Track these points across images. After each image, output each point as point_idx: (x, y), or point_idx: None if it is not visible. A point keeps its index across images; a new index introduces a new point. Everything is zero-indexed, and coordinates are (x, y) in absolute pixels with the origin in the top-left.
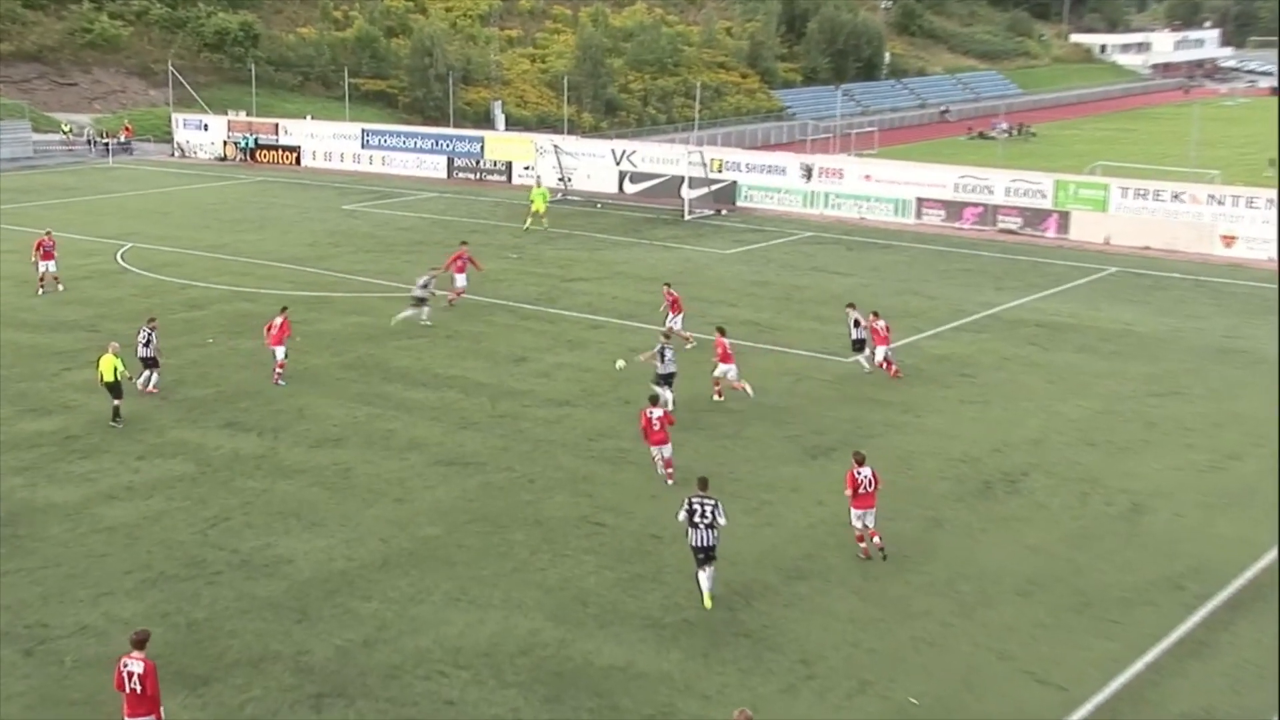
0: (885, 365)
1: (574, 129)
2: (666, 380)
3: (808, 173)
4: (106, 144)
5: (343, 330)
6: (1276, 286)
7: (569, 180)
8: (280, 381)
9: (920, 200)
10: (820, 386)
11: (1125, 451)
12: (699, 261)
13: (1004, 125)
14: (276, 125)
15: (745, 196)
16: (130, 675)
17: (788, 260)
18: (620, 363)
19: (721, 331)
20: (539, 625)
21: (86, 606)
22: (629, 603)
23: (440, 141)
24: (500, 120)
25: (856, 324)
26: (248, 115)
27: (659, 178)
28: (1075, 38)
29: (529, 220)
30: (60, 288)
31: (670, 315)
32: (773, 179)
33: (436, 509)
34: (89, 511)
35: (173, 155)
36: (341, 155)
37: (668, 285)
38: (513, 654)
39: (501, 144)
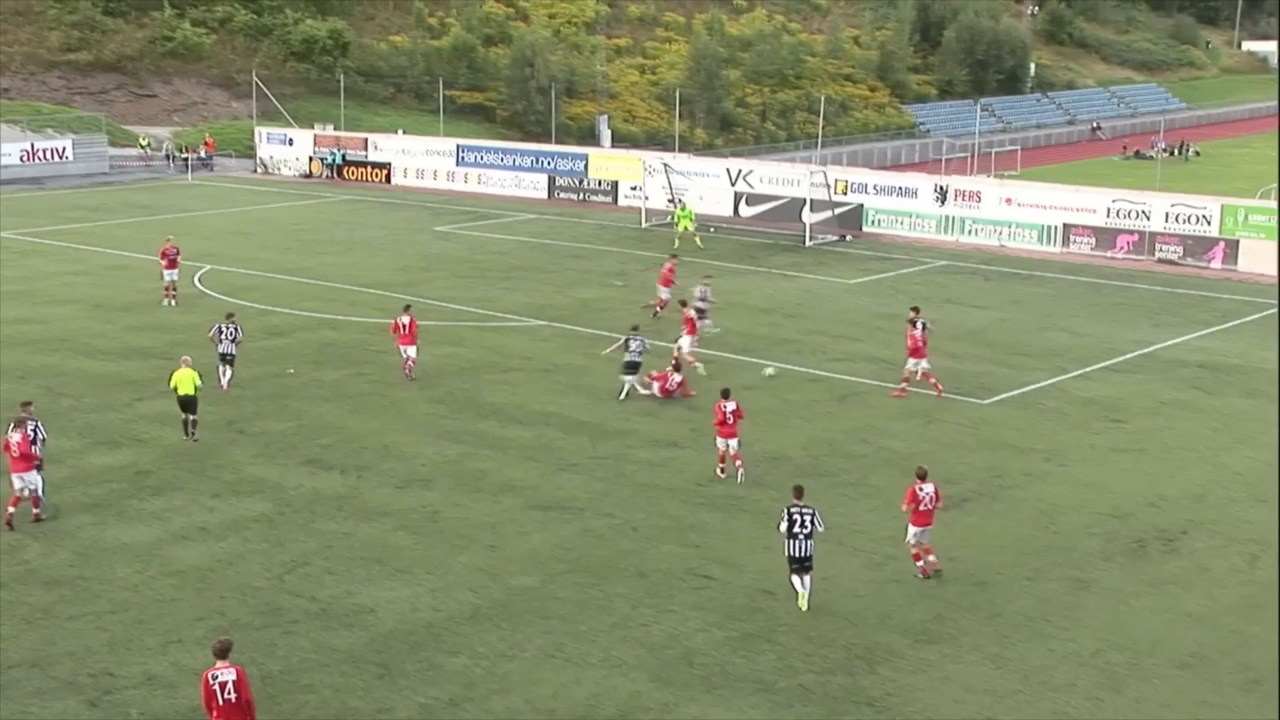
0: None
1: (686, 146)
2: (632, 368)
3: (942, 195)
4: (186, 159)
5: (432, 362)
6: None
7: (680, 202)
8: (412, 375)
9: (1068, 227)
10: (953, 431)
11: None
12: (820, 292)
13: (1163, 144)
14: (366, 140)
15: (873, 221)
16: (223, 685)
17: (918, 291)
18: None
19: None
20: (641, 687)
21: (155, 655)
22: (739, 664)
23: (541, 159)
24: (606, 136)
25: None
26: (335, 129)
27: (778, 200)
28: (1248, 45)
29: (677, 241)
30: (172, 302)
31: (685, 335)
32: (903, 202)
33: (531, 557)
34: (159, 553)
35: (255, 171)
36: (435, 173)
37: (683, 303)
38: (612, 717)
39: (607, 162)
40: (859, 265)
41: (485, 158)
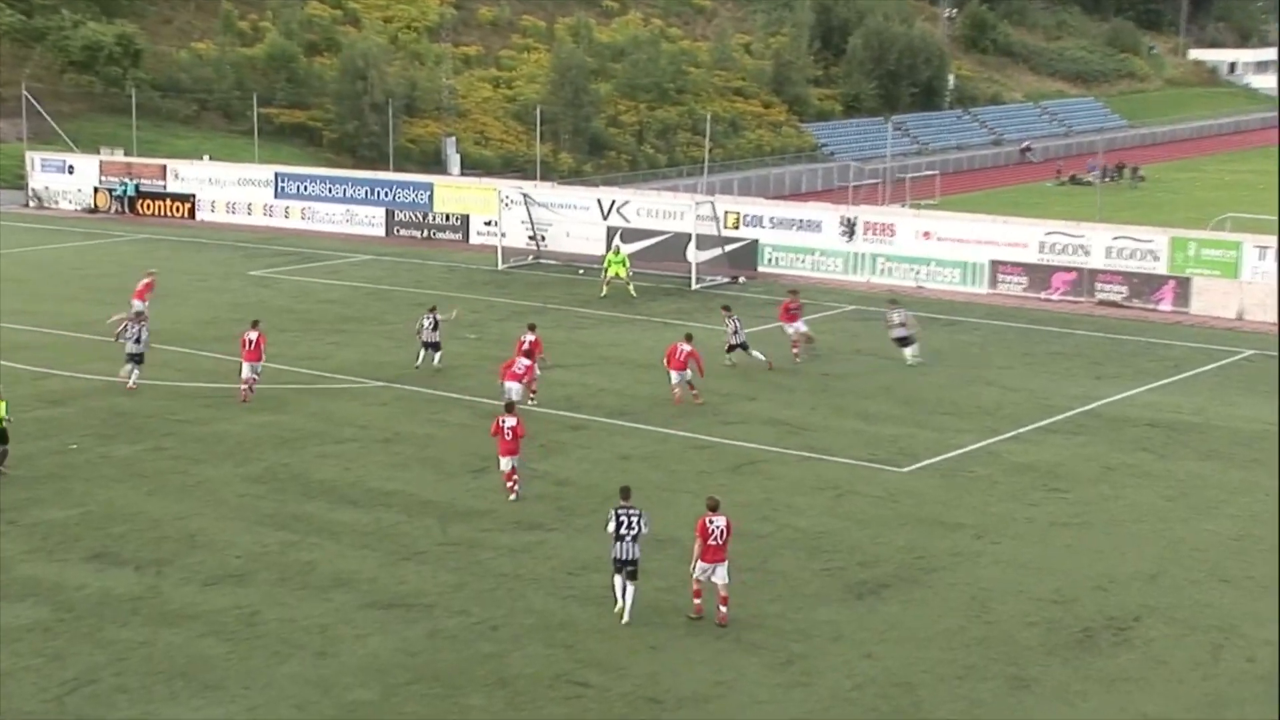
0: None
1: (549, 173)
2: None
3: (849, 229)
4: None
5: (249, 433)
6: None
7: (542, 240)
8: (248, 399)
9: (996, 264)
10: (869, 504)
11: (1270, 591)
12: (710, 344)
13: (1102, 166)
14: (164, 167)
15: (769, 260)
16: None
17: (824, 341)
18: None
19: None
20: None
21: None
22: None
23: (377, 190)
24: (455, 162)
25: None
26: (126, 154)
27: (658, 235)
28: (1195, 54)
29: (605, 288)
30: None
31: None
32: (805, 237)
33: (370, 665)
34: None
35: (27, 205)
36: (249, 206)
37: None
38: None
39: (456, 193)
40: (754, 311)
41: (310, 188)
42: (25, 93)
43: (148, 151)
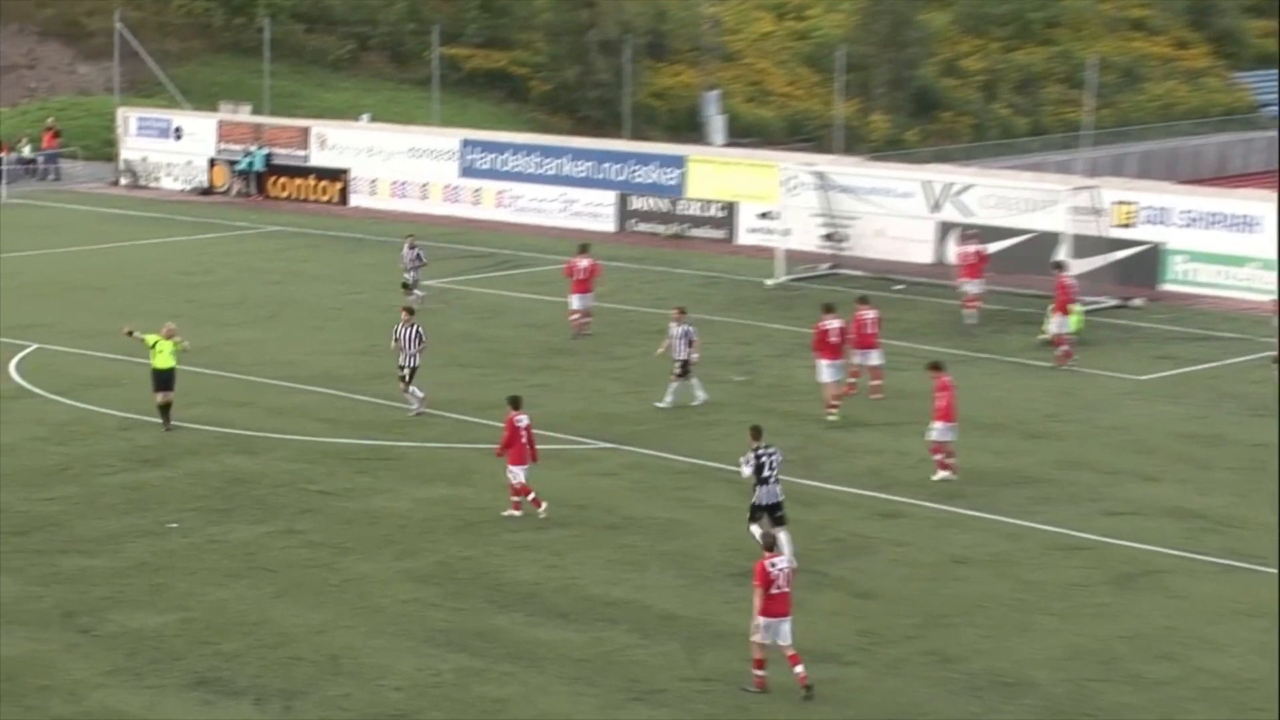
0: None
1: (856, 144)
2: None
3: None
4: None
5: (417, 511)
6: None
7: (843, 240)
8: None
9: None
10: None
11: None
12: (1086, 395)
13: None
14: (307, 132)
15: (1176, 274)
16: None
17: (1260, 397)
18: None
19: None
20: None
21: None
22: None
23: (606, 165)
24: (718, 127)
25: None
26: (255, 113)
27: (1015, 236)
28: None
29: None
30: None
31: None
32: (1232, 240)
33: None
34: None
35: (116, 183)
36: (424, 188)
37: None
38: None
39: (720, 171)
40: (1156, 349)
41: (510, 162)
42: (118, 25)
43: (285, 109)
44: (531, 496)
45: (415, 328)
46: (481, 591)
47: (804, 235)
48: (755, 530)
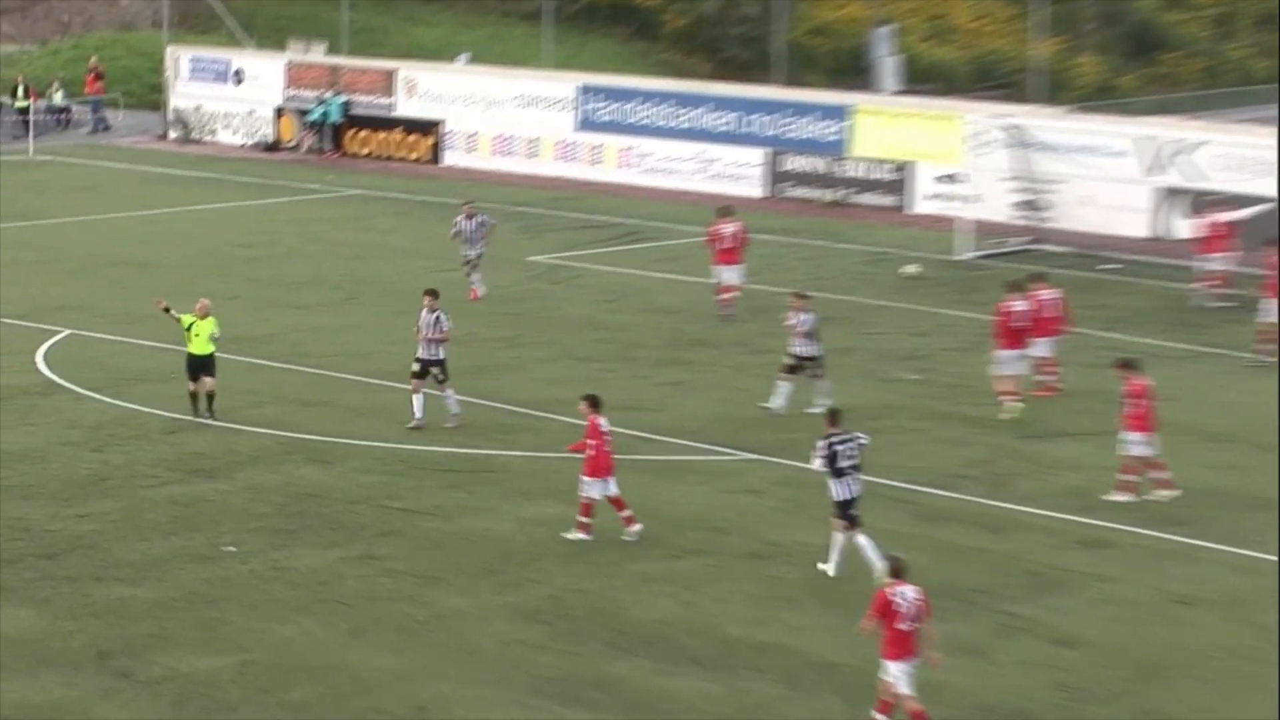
0: None
1: (1058, 93)
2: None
3: None
4: (24, 109)
5: (520, 534)
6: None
7: (1043, 207)
8: (727, 313)
9: None
10: None
11: None
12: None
13: None
14: (391, 75)
15: None
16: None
17: None
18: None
19: None
20: None
21: None
22: None
23: (753, 117)
24: (890, 70)
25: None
26: (330, 54)
27: (1253, 205)
28: None
29: None
30: None
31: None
32: None
33: None
34: None
35: (165, 137)
36: (534, 144)
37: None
38: None
39: (891, 125)
40: None
41: (637, 113)
42: None
43: (366, 48)
44: (627, 513)
45: (437, 314)
46: (599, 632)
47: (994, 203)
48: (863, 540)
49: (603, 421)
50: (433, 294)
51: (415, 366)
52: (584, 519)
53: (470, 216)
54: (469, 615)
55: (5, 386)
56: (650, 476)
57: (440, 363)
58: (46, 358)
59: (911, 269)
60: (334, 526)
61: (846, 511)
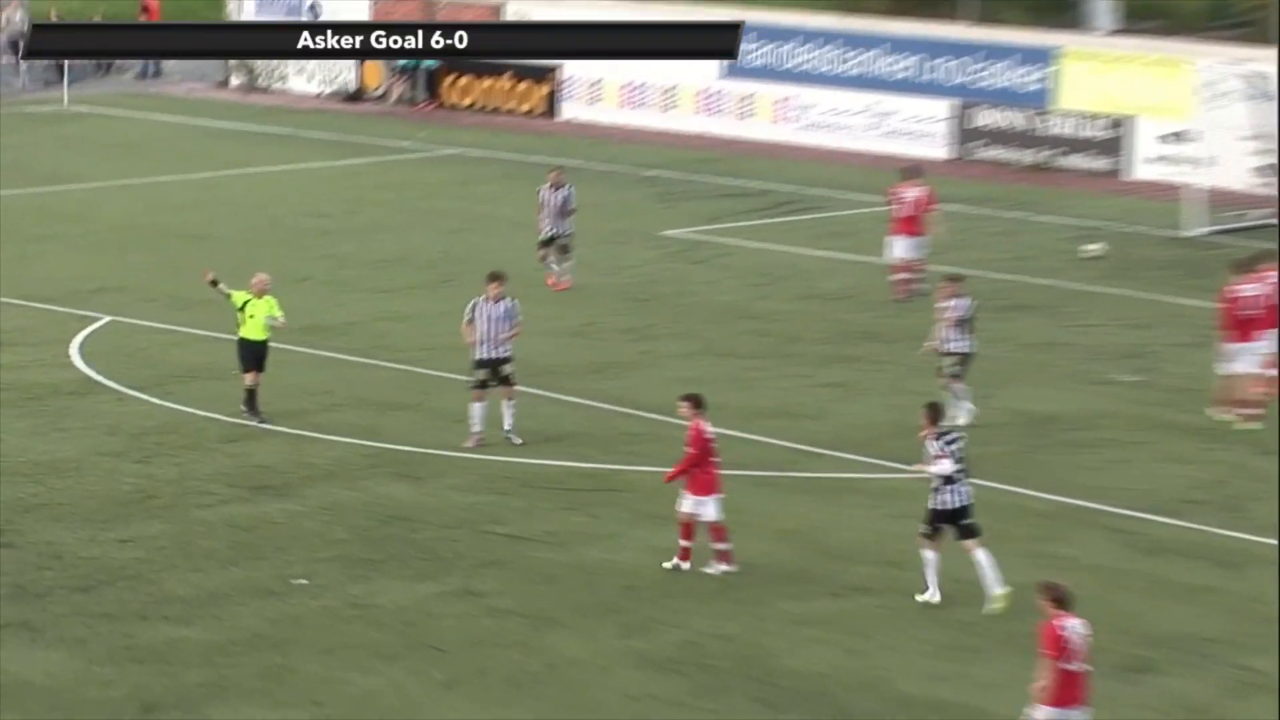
0: None
1: None
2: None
3: None
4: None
5: (647, 566)
6: None
7: None
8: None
9: None
10: None
11: None
12: None
13: None
14: (499, 9)
15: None
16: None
17: None
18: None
19: None
20: None
21: None
22: None
23: (935, 63)
24: (1104, 6)
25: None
26: None
27: None
28: None
29: None
30: None
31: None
32: None
33: None
34: None
35: (226, 84)
36: (669, 95)
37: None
38: None
39: (1106, 70)
40: None
41: (795, 57)
42: None
43: None
44: (723, 546)
45: (504, 303)
46: (746, 685)
47: (1231, 167)
48: (982, 556)
49: (707, 427)
50: (498, 279)
51: (480, 374)
52: (685, 543)
53: (557, 187)
54: (588, 664)
55: (34, 384)
56: (808, 497)
57: (508, 360)
58: (83, 350)
59: (1094, 248)
60: (426, 556)
61: (960, 522)
